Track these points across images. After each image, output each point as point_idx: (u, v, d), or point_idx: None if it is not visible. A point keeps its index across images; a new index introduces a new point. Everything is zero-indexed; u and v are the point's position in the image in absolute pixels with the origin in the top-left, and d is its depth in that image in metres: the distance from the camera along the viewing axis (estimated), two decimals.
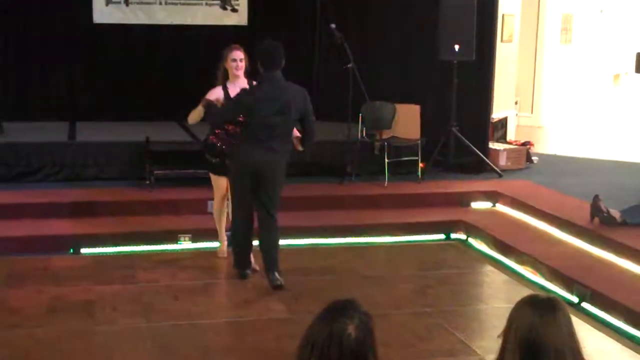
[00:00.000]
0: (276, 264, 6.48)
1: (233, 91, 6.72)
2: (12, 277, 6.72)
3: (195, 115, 6.71)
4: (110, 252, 7.45)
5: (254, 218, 6.55)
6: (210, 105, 6.62)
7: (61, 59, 10.65)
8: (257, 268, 6.76)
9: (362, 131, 9.53)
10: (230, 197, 6.73)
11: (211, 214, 8.24)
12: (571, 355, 2.56)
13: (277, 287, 6.41)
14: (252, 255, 6.76)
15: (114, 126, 10.07)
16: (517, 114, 12.93)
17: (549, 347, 2.54)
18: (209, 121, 6.75)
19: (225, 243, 7.19)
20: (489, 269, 7.37)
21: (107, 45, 10.72)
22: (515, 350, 2.57)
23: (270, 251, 6.47)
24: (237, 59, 6.84)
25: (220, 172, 6.92)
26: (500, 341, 2.66)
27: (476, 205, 8.89)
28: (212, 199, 8.25)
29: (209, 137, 6.99)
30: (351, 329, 2.41)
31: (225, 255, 7.16)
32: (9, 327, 5.67)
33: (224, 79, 6.90)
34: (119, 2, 10.57)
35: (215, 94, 6.82)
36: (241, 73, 6.85)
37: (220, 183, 6.99)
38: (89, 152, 9.03)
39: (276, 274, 6.44)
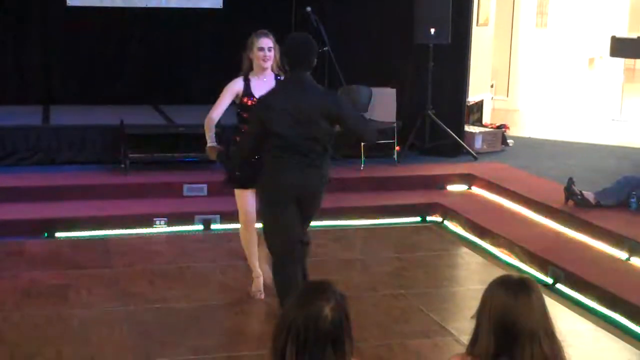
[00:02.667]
0: None
1: (258, 86, 5.67)
2: None
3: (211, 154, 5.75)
4: (85, 236, 7.42)
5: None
6: (221, 154, 5.65)
7: (35, 42, 10.54)
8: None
9: None
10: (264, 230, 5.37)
11: (188, 197, 8.23)
12: (545, 335, 2.58)
13: None
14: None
15: (88, 110, 10.00)
16: (492, 97, 12.98)
17: (524, 327, 2.56)
18: (232, 167, 5.63)
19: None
20: (464, 251, 7.41)
21: (81, 28, 10.61)
22: (490, 331, 2.60)
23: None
24: (265, 47, 5.70)
25: (245, 185, 5.73)
26: (474, 322, 2.68)
27: (452, 188, 8.93)
28: (189, 183, 8.24)
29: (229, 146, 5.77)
30: (327, 311, 2.42)
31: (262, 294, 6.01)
32: None
33: (248, 70, 5.79)
34: None
35: (235, 88, 5.74)
36: (269, 65, 5.72)
37: (244, 199, 5.83)
38: (64, 136, 8.96)
39: None
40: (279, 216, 5.17)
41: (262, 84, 5.67)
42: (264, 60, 5.71)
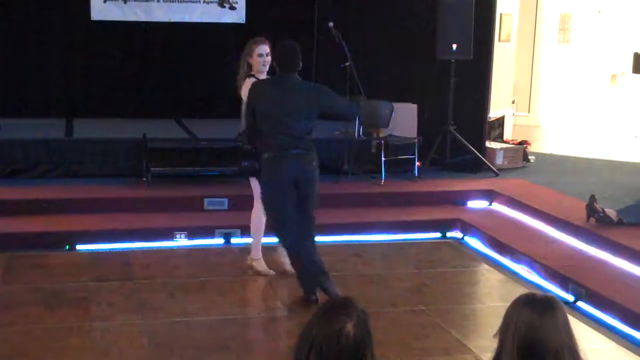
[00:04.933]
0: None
1: None
2: (8, 274, 6.71)
3: None
4: (106, 249, 7.45)
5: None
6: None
7: (59, 55, 10.64)
8: (288, 268, 6.51)
9: (359, 129, 9.53)
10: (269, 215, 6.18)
11: (208, 210, 8.28)
12: (569, 355, 2.56)
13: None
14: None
15: (111, 123, 10.06)
16: (514, 113, 12.95)
17: (548, 346, 2.54)
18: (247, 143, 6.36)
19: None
20: (485, 267, 7.38)
21: (105, 42, 10.71)
22: (514, 350, 2.57)
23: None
24: (264, 53, 6.44)
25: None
26: (496, 341, 2.66)
27: (472, 204, 8.90)
28: (210, 197, 8.31)
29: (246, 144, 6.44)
30: (350, 327, 2.41)
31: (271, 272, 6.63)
32: (5, 323, 5.67)
33: (247, 72, 6.50)
34: (117, 0, 10.56)
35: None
36: (267, 69, 6.49)
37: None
38: (86, 149, 9.02)
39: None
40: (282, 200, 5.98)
41: None
42: (264, 65, 6.43)
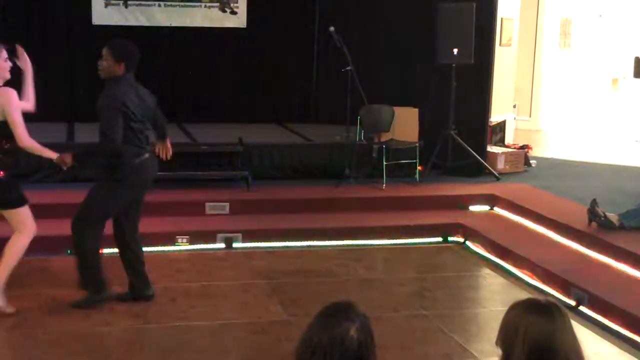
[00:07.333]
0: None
1: None
2: (10, 279, 6.68)
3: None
4: (107, 253, 7.42)
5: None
6: (80, 154, 6.25)
7: (60, 60, 10.65)
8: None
9: (360, 134, 9.54)
10: (96, 217, 6.19)
11: (210, 215, 8.26)
12: (576, 359, 2.55)
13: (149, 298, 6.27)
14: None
15: None
16: (515, 118, 12.96)
17: (558, 351, 2.53)
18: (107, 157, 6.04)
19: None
20: (486, 272, 7.37)
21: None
22: (523, 356, 2.54)
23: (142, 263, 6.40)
24: (7, 56, 5.96)
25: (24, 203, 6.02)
26: (498, 347, 2.64)
27: (474, 208, 8.90)
28: (211, 201, 8.28)
29: None
30: (353, 332, 2.40)
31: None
32: (7, 328, 5.68)
33: None
34: (118, 4, 10.58)
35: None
36: None
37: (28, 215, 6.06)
38: None
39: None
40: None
41: None
42: (8, 71, 5.87)
